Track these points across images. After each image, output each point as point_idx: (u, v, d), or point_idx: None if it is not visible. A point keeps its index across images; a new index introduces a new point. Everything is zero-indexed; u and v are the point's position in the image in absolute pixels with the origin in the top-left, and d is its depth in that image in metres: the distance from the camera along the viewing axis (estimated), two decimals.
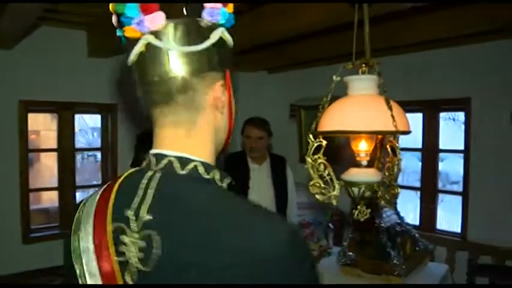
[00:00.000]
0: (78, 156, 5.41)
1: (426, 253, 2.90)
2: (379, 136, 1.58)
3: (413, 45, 3.62)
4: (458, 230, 3.74)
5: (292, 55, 4.31)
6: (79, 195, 4.24)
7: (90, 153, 5.35)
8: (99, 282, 0.77)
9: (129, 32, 0.77)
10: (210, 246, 0.70)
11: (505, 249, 3.26)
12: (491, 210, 3.41)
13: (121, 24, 0.79)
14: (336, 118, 1.50)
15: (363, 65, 1.59)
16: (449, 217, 4.66)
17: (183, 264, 0.71)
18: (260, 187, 3.23)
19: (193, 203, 0.75)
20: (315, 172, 1.49)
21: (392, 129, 1.38)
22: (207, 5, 0.79)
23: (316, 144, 1.49)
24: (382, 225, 2.76)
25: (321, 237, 3.26)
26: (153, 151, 0.81)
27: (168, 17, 0.76)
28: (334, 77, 1.56)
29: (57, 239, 3.75)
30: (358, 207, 1.50)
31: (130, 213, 0.76)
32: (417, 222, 3.96)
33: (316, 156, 1.49)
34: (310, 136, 1.50)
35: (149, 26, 0.76)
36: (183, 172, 0.78)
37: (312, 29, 3.07)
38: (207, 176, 0.79)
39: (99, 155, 4.60)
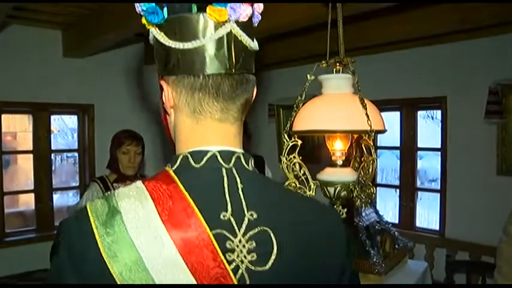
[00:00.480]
0: (58, 158, 5.31)
1: (406, 251, 2.92)
2: (355, 135, 1.58)
3: (390, 44, 3.65)
4: (436, 227, 3.78)
5: (268, 55, 4.30)
6: (56, 198, 4.16)
7: (70, 154, 5.25)
8: None
9: (216, 12, 0.72)
10: (317, 243, 0.78)
11: (481, 245, 3.30)
12: (468, 207, 3.46)
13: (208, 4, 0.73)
14: (310, 117, 1.49)
15: (337, 64, 1.59)
16: (428, 215, 4.70)
17: (297, 257, 0.74)
18: None
19: (279, 198, 0.80)
20: (290, 172, 1.48)
21: (367, 128, 1.37)
22: (256, 6, 0.77)
23: (291, 144, 1.48)
24: (361, 223, 2.77)
25: None
26: (217, 147, 0.77)
27: None
28: (308, 76, 1.55)
29: (33, 242, 3.68)
30: (335, 207, 1.49)
31: (228, 216, 0.72)
32: (396, 220, 3.99)
33: (291, 156, 1.47)
34: (285, 136, 1.49)
35: (241, 14, 0.74)
36: (250, 168, 0.78)
37: (289, 28, 3.07)
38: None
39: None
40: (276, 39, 3.84)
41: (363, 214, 2.88)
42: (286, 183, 1.49)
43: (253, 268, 0.71)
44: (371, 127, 1.38)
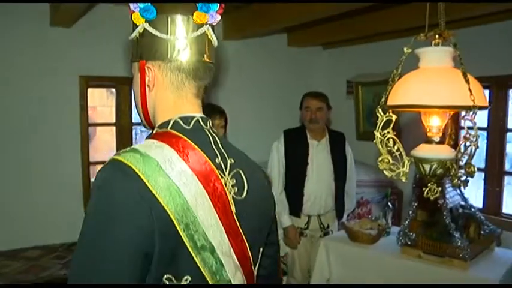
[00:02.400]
0: (138, 130, 5.55)
1: (493, 237, 2.77)
2: (451, 111, 1.50)
3: (479, 17, 3.41)
4: None
5: (349, 30, 4.19)
6: None
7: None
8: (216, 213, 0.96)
9: (200, 16, 1.02)
10: (259, 175, 1.15)
11: None
12: None
13: (193, 8, 1.02)
14: (407, 91, 1.43)
15: (437, 36, 1.50)
16: None
17: (254, 187, 1.07)
18: (319, 163, 3.20)
19: (236, 149, 1.12)
20: (384, 147, 1.44)
21: (470, 103, 1.30)
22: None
23: (385, 119, 1.44)
24: (445, 205, 2.66)
25: (378, 216, 3.19)
26: (199, 114, 1.07)
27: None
28: (405, 49, 1.48)
29: None
30: (429, 185, 1.43)
31: (219, 161, 1.02)
32: (480, 205, 3.79)
33: (385, 131, 1.43)
34: (380, 110, 1.44)
35: (215, 19, 1.06)
36: (212, 128, 1.09)
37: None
38: None
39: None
40: (354, 14, 3.73)
41: (447, 196, 2.77)
42: (379, 158, 1.45)
43: (235, 197, 1.02)
44: (474, 103, 1.30)
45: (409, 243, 2.68)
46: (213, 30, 1.07)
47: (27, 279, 2.98)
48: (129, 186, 0.87)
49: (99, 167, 1.14)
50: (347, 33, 4.30)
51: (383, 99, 1.47)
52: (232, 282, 0.98)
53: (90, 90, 4.10)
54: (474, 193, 4.24)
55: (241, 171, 1.04)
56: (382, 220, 3.11)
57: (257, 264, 1.11)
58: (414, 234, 2.68)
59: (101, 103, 5.66)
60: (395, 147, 1.44)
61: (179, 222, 0.88)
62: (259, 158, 3.75)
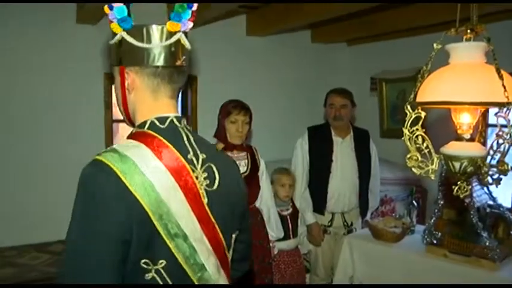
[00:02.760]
0: None
1: None
2: (482, 108, 1.47)
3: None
4: None
5: (374, 26, 4.14)
6: None
7: None
8: (187, 204, 1.08)
9: (173, 26, 1.11)
10: (232, 169, 1.30)
11: None
12: None
13: (168, 18, 1.12)
14: (436, 88, 1.40)
15: (468, 31, 1.47)
16: None
17: (226, 180, 1.20)
18: (343, 160, 3.18)
19: (209, 145, 1.24)
20: (413, 145, 1.41)
21: (504, 100, 1.26)
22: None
23: (414, 116, 1.41)
24: (472, 204, 2.61)
25: (403, 214, 3.15)
26: (173, 114, 1.16)
27: None
28: (435, 45, 1.45)
29: None
30: (459, 183, 1.41)
31: (191, 157, 1.13)
32: (509, 205, 3.71)
33: (414, 128, 1.41)
34: (408, 107, 1.42)
35: (187, 27, 1.15)
36: (186, 125, 1.19)
37: None
38: None
39: None
40: (379, 10, 3.69)
41: (474, 195, 2.71)
42: (408, 156, 1.43)
43: (207, 188, 1.13)
44: (508, 99, 1.27)
45: (435, 242, 2.64)
46: (186, 36, 1.16)
47: (52, 271, 3.04)
48: (109, 183, 0.99)
49: None
50: (371, 29, 4.25)
51: (411, 96, 1.45)
52: (206, 266, 1.11)
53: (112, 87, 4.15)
54: (503, 193, 4.15)
55: (212, 165, 1.16)
56: (406, 218, 3.07)
57: (231, 249, 1.23)
58: (440, 233, 2.64)
59: None
60: (424, 145, 1.41)
61: (153, 214, 1.00)
62: (283, 155, 3.77)
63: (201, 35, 4.25)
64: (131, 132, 1.18)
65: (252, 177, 2.63)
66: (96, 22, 3.75)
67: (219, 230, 1.14)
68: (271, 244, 2.74)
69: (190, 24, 1.14)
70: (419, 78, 1.45)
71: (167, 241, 1.03)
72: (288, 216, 3.04)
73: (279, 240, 2.86)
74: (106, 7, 1.10)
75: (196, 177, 1.11)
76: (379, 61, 4.75)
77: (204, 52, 4.32)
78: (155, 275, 1.03)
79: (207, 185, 1.13)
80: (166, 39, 1.11)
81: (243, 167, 2.61)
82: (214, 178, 1.15)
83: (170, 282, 1.05)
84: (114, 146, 1.08)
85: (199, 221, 1.09)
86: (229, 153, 2.56)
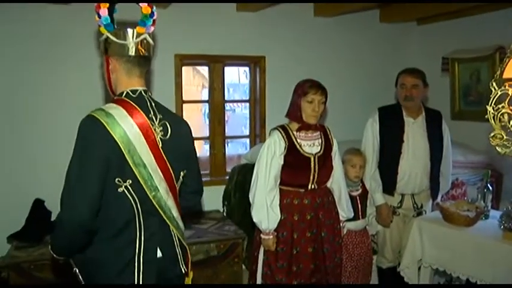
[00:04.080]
0: (231, 108, 5.72)
1: None
2: None
3: None
4: None
5: (445, 4, 3.95)
6: (229, 146, 4.52)
7: (241, 105, 5.54)
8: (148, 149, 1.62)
9: (140, 29, 1.68)
10: (183, 126, 1.84)
11: None
12: None
13: (136, 24, 1.68)
14: None
15: None
16: None
17: (177, 133, 1.74)
18: (415, 141, 3.13)
19: (166, 109, 1.79)
20: (497, 123, 1.38)
21: None
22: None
23: (500, 93, 1.37)
24: None
25: (475, 199, 3.05)
26: (141, 88, 1.73)
27: None
28: None
29: (206, 185, 4.08)
30: None
31: (151, 115, 1.67)
32: None
33: (499, 106, 1.37)
34: (494, 84, 1.38)
35: (150, 30, 1.72)
36: (150, 96, 1.75)
37: None
38: None
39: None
40: None
41: None
42: (492, 134, 1.40)
43: (162, 137, 1.68)
44: None
45: None
46: (149, 36, 1.72)
47: None
48: (98, 129, 1.53)
49: None
50: (443, 7, 4.07)
51: (498, 73, 1.41)
52: (159, 189, 1.63)
53: None
54: None
55: (167, 122, 1.71)
56: (480, 202, 2.97)
57: (179, 181, 1.78)
58: None
59: (187, 82, 5.94)
60: (511, 123, 1.37)
61: (124, 149, 1.55)
62: (353, 135, 3.74)
63: (269, 16, 4.30)
64: (112, 98, 1.73)
65: (326, 157, 2.62)
66: (167, 5, 3.89)
67: (169, 165, 1.67)
68: (341, 224, 2.76)
69: (152, 28, 1.72)
70: (508, 54, 1.40)
71: (133, 167, 1.57)
72: (358, 197, 3.03)
73: (348, 220, 2.87)
74: (96, 16, 1.63)
75: (155, 130, 1.65)
76: (452, 40, 4.54)
77: (271, 33, 4.35)
78: (124, 190, 1.57)
79: (162, 135, 1.67)
80: (136, 38, 1.67)
81: (317, 146, 2.60)
82: (167, 130, 1.70)
83: (135, 196, 1.59)
84: (102, 106, 1.61)
85: (155, 157, 1.62)
86: (303, 133, 2.60)
